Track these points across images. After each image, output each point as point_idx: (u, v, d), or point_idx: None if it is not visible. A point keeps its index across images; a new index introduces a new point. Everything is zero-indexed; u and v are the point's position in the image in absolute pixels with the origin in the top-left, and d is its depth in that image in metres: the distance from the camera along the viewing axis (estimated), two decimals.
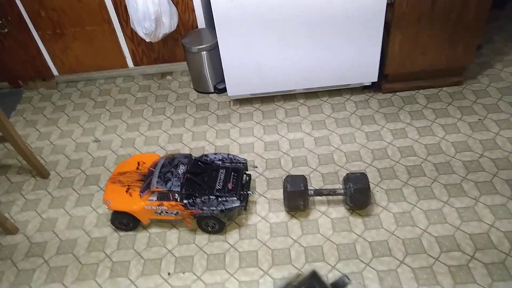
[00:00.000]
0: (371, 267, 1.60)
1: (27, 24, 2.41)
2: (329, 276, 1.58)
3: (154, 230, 1.82)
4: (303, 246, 1.70)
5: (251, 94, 2.42)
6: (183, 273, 1.65)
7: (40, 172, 2.09)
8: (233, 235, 1.77)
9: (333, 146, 2.13)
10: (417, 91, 2.41)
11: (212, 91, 2.55)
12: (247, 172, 1.87)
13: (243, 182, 1.80)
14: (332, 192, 1.78)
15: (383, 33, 2.13)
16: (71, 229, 1.86)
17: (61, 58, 2.60)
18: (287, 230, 1.77)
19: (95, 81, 2.75)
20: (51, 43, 2.52)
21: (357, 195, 1.72)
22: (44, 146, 2.32)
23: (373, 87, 2.44)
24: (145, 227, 1.83)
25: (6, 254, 1.79)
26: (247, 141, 2.21)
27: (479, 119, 2.18)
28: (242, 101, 2.47)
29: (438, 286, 1.52)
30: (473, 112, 2.23)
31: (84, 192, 2.03)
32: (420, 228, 1.72)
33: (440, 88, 2.41)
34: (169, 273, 1.66)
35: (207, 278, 1.63)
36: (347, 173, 1.78)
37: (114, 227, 1.83)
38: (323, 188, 1.81)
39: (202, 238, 1.77)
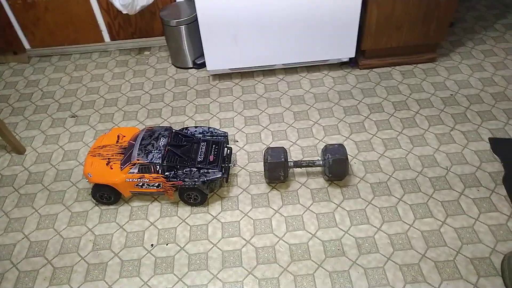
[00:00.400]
0: (350, 235, 1.67)
1: None
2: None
3: (136, 203, 1.82)
4: (283, 216, 1.74)
5: (230, 69, 2.42)
6: (166, 244, 1.67)
7: (16, 147, 2.04)
8: (215, 207, 1.79)
9: (312, 121, 2.17)
10: (393, 67, 2.47)
11: (191, 66, 2.53)
12: (228, 145, 1.89)
13: (224, 155, 1.82)
14: (311, 164, 1.83)
15: (361, 8, 2.17)
16: (50, 204, 1.84)
17: (32, 30, 2.51)
18: (268, 201, 1.81)
19: (70, 56, 2.68)
20: (21, 13, 2.42)
21: (336, 165, 1.77)
22: (18, 121, 2.26)
23: (351, 64, 2.48)
24: (126, 201, 1.83)
25: None
26: (227, 116, 2.22)
27: (451, 94, 2.27)
28: (222, 76, 2.47)
29: (412, 250, 1.61)
30: (445, 87, 2.31)
31: (63, 168, 2.00)
32: (396, 197, 1.79)
33: (415, 65, 2.47)
34: (152, 245, 1.67)
35: (190, 248, 1.65)
36: (325, 145, 1.83)
37: (95, 201, 1.82)
38: (302, 159, 1.85)
39: (184, 210, 1.79)
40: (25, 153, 2.07)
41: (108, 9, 2.46)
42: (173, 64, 2.58)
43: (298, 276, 1.54)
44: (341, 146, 1.80)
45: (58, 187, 1.91)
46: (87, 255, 1.65)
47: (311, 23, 2.19)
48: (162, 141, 1.73)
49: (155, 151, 1.68)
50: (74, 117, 2.26)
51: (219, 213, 1.77)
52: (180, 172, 1.69)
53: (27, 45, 2.59)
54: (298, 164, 1.83)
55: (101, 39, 2.61)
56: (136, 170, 1.69)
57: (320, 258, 1.59)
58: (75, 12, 2.45)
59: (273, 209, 1.77)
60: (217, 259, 1.61)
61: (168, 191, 1.73)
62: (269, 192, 1.84)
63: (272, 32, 2.21)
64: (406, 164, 1.92)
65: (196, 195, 1.75)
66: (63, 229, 1.74)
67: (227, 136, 1.88)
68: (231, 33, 2.19)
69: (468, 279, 1.50)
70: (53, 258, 1.64)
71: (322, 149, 1.84)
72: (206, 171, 1.70)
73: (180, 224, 1.74)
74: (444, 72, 2.41)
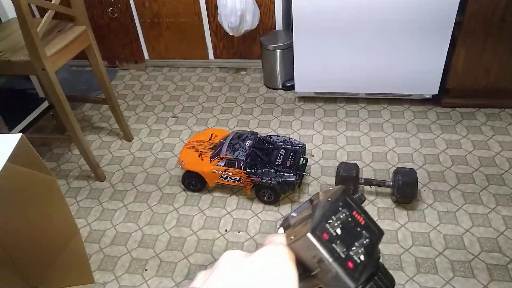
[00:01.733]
0: (410, 253, 1.72)
1: (132, 12, 2.82)
2: None
3: (217, 194, 2.07)
4: None
5: (315, 93, 2.63)
6: (238, 232, 1.87)
7: (126, 135, 2.43)
8: (285, 208, 1.97)
9: (387, 147, 2.27)
10: (477, 109, 2.48)
11: (281, 87, 2.80)
12: (304, 156, 2.07)
13: (300, 163, 2.00)
14: (381, 183, 1.93)
15: (449, 47, 2.26)
16: (147, 184, 2.16)
17: (153, 44, 2.98)
18: None
19: (178, 68, 3.11)
20: (148, 30, 2.91)
21: (405, 187, 1.85)
22: (130, 116, 2.68)
23: (433, 101, 2.55)
24: (209, 190, 2.08)
25: (94, 195, 2.12)
26: (307, 133, 2.42)
27: None
28: (307, 99, 2.69)
29: (474, 279, 1.61)
30: None
31: (160, 156, 2.33)
32: (463, 228, 1.81)
33: (502, 109, 2.46)
34: (226, 230, 1.88)
35: (258, 238, 1.83)
36: (397, 167, 1.92)
37: (183, 187, 2.10)
38: (373, 178, 1.96)
39: (258, 206, 1.99)
40: (133, 141, 2.46)
41: (217, 31, 2.84)
42: (264, 84, 2.86)
43: None
44: (412, 170, 1.88)
45: (154, 171, 2.24)
46: (170, 228, 1.91)
47: (398, 57, 2.34)
48: (248, 143, 1.96)
49: (241, 150, 1.92)
50: (175, 117, 2.62)
51: (288, 213, 1.93)
52: (259, 170, 1.90)
53: (146, 56, 3.07)
54: (368, 182, 1.94)
55: (206, 57, 3.00)
56: (223, 164, 1.94)
57: None
58: (189, 32, 2.87)
59: None
60: None
61: (246, 186, 1.95)
62: None
63: (359, 61, 2.39)
64: (478, 199, 1.93)
65: (270, 194, 1.94)
66: (154, 205, 2.04)
67: (304, 147, 2.06)
68: (320, 59, 2.42)
69: None
70: (144, 226, 1.93)
71: (394, 171, 1.94)
72: (282, 173, 1.89)
73: (252, 217, 1.93)
74: None
